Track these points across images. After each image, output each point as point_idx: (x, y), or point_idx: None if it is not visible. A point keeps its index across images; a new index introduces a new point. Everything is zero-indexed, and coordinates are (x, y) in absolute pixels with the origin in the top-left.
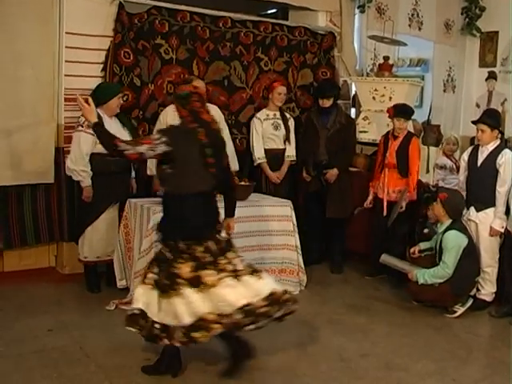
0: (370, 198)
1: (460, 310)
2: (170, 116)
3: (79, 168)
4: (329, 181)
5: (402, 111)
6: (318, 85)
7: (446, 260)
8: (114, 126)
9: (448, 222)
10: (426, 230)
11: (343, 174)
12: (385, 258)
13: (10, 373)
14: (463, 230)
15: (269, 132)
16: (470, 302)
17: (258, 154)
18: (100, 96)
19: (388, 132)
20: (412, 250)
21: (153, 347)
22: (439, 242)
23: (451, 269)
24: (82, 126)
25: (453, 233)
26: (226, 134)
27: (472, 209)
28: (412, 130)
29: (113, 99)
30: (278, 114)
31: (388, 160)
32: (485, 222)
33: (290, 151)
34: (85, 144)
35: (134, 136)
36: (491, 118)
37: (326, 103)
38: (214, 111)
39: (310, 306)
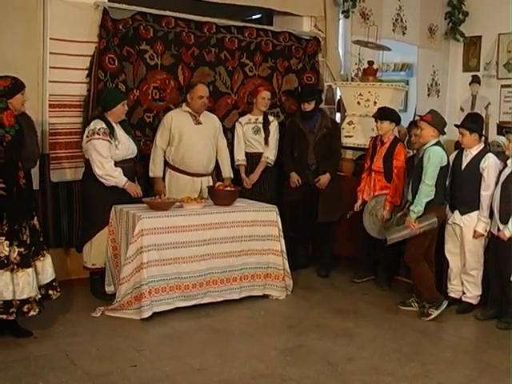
0: (359, 202)
1: (434, 312)
2: (174, 120)
3: (109, 172)
4: (322, 187)
5: (382, 114)
6: (300, 89)
7: (427, 173)
8: (121, 133)
9: (433, 141)
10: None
11: (333, 178)
12: (390, 237)
13: None
14: (445, 150)
15: (248, 136)
16: (445, 304)
17: (238, 156)
18: (105, 103)
19: (377, 137)
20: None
21: (140, 354)
22: (420, 159)
23: (431, 180)
24: (99, 134)
25: (438, 148)
26: (223, 143)
27: (456, 212)
28: (397, 135)
29: (117, 106)
30: (260, 118)
31: (375, 164)
32: (469, 225)
33: (268, 153)
34: (102, 149)
35: (135, 142)
36: (471, 122)
37: (308, 107)
38: (212, 120)
39: (296, 311)
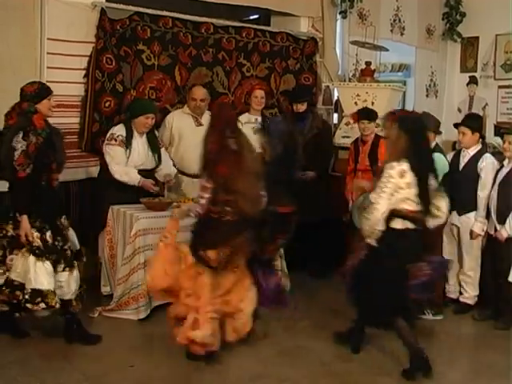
0: (351, 204)
1: (429, 316)
2: (175, 120)
3: (122, 173)
4: (306, 179)
5: (363, 114)
6: (292, 90)
7: None
8: (140, 145)
9: (433, 144)
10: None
11: (320, 177)
12: None
13: None
14: (444, 154)
15: (248, 136)
16: (439, 317)
17: None
18: (131, 110)
19: (357, 138)
20: None
21: (138, 354)
22: None
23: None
24: (115, 140)
25: (440, 155)
26: None
27: (454, 213)
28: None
29: (139, 117)
30: (259, 119)
31: (360, 164)
32: (466, 225)
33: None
34: (115, 154)
35: (157, 158)
36: (473, 122)
37: (300, 108)
38: None
39: (293, 311)
